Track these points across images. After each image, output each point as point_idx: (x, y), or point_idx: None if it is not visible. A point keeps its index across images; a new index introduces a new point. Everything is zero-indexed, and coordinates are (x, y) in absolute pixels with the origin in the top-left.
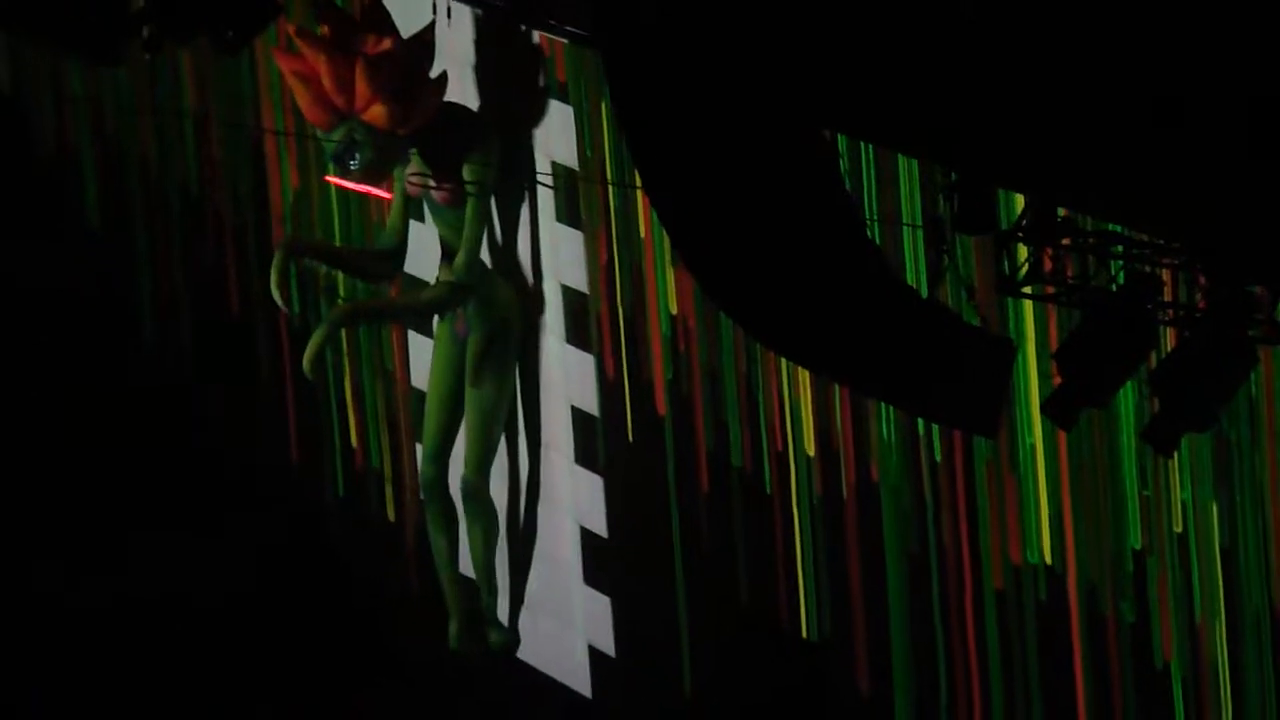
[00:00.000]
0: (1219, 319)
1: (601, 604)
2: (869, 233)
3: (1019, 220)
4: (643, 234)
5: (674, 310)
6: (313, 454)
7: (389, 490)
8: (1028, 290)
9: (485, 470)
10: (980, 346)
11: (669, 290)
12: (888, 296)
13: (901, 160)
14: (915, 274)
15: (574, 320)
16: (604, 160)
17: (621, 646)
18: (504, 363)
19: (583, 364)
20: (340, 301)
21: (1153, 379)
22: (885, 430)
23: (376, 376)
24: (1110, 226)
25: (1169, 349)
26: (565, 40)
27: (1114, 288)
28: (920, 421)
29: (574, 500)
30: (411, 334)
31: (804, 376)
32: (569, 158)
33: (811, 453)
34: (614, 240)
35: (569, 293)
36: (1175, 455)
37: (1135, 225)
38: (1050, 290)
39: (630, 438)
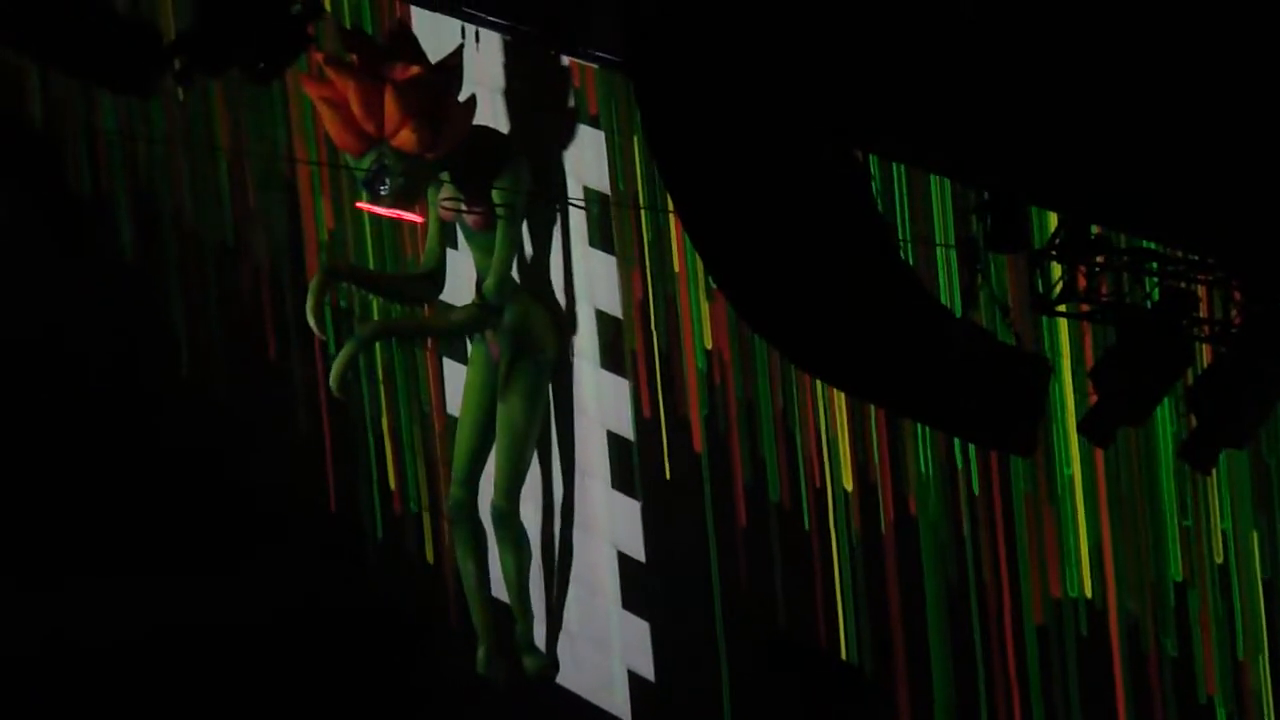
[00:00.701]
0: (1255, 335)
1: (640, 628)
2: (902, 253)
3: (1052, 238)
4: (677, 268)
5: (709, 345)
6: (350, 497)
7: (428, 531)
8: (1062, 309)
9: (515, 495)
10: (1015, 366)
11: (704, 324)
12: (922, 317)
13: (934, 180)
14: (949, 294)
15: (608, 345)
16: (637, 191)
17: (661, 671)
18: (536, 386)
19: (618, 389)
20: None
21: (1189, 396)
22: (923, 464)
23: (414, 418)
24: (1144, 243)
25: (1205, 366)
26: (595, 65)
27: (1149, 305)
28: (958, 455)
29: (611, 525)
30: (448, 373)
31: (840, 410)
32: (601, 183)
33: (849, 488)
34: (648, 275)
35: (603, 318)
36: (1214, 483)
37: (1170, 241)
38: (1085, 308)
39: (668, 474)
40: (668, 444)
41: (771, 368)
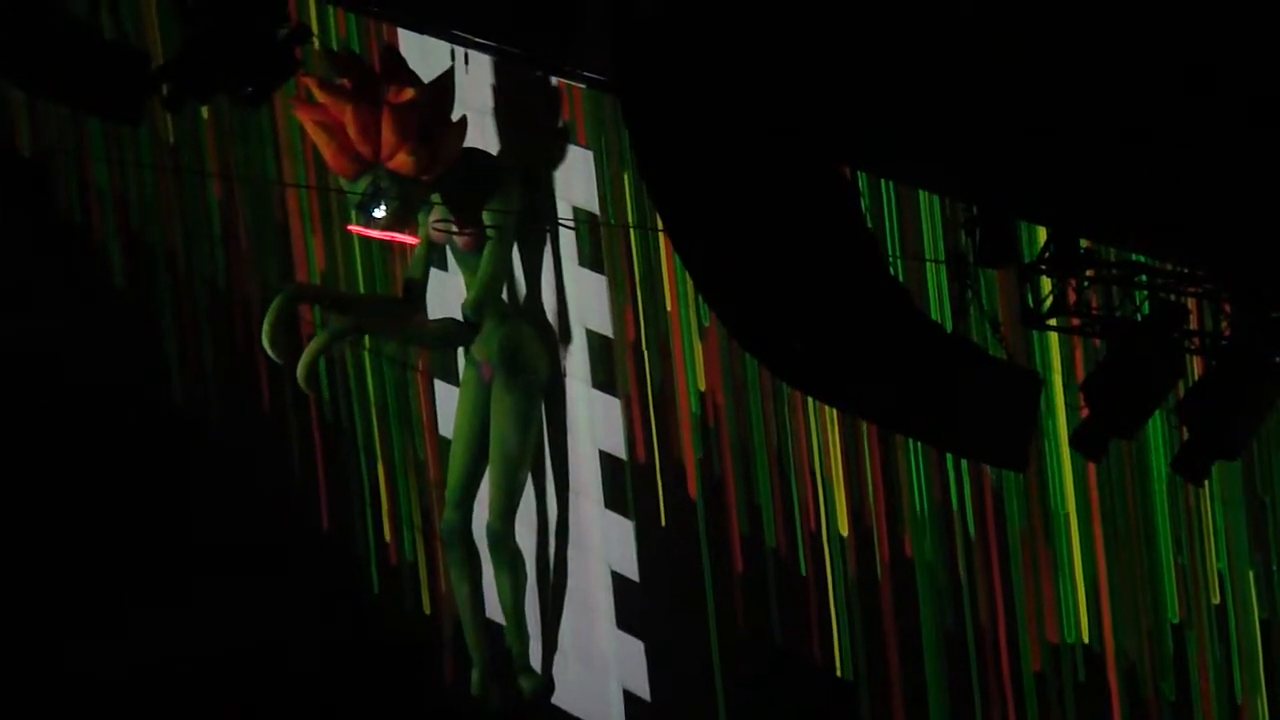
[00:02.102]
0: (1246, 346)
1: (635, 648)
2: (892, 269)
3: (1042, 252)
4: (669, 306)
5: (702, 386)
6: (346, 549)
7: (424, 583)
8: (1052, 322)
9: (510, 516)
10: (1006, 380)
11: (697, 364)
12: (912, 332)
13: (922, 196)
14: (939, 309)
15: (600, 365)
16: (626, 212)
17: (656, 690)
18: (528, 407)
19: (609, 408)
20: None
21: (1181, 408)
22: (918, 504)
23: (409, 467)
24: (1134, 256)
25: (1196, 378)
26: (583, 86)
27: (1139, 318)
28: (953, 495)
29: (604, 544)
30: (443, 423)
31: (835, 451)
32: (590, 203)
33: (845, 532)
34: (640, 314)
35: (594, 337)
36: (1210, 521)
37: (1159, 254)
38: (1075, 322)
39: (663, 521)
40: (663, 490)
41: (765, 408)
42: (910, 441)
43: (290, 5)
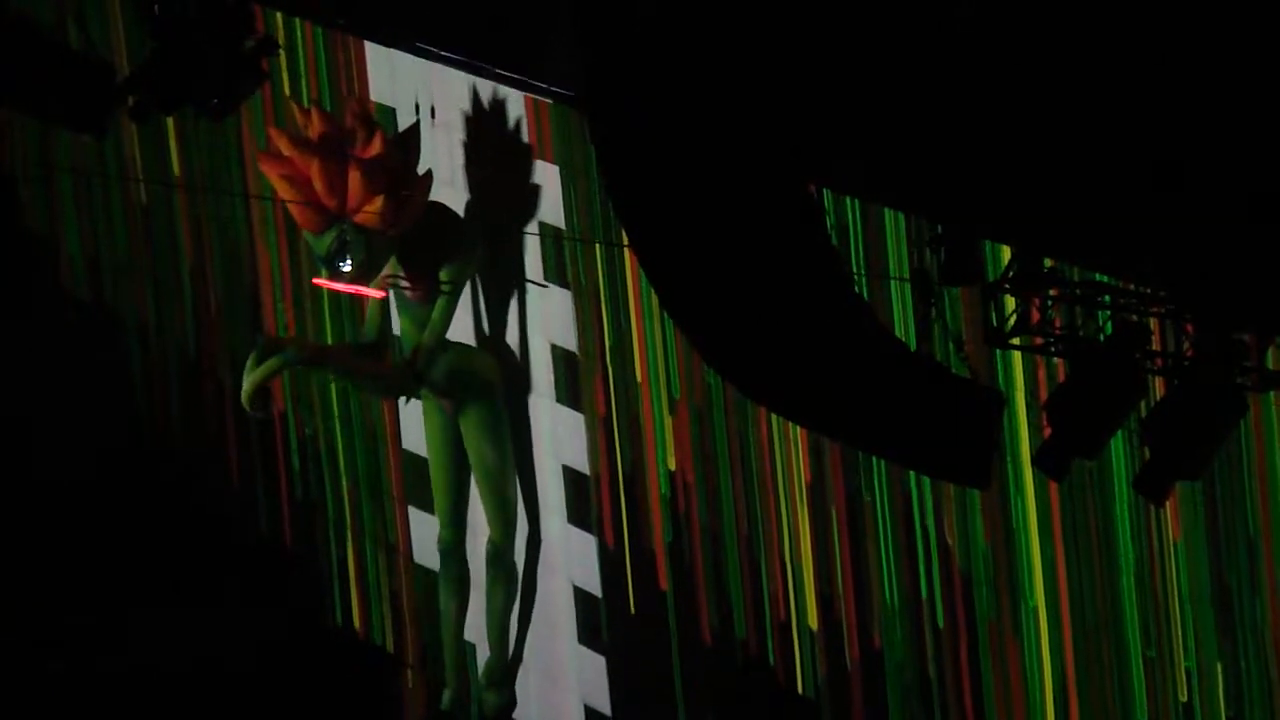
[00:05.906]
0: (1207, 367)
1: (596, 663)
2: (856, 287)
3: (1006, 271)
4: (639, 377)
5: (672, 466)
6: (314, 632)
7: (389, 628)
8: (1016, 341)
9: (510, 531)
10: (969, 398)
11: (667, 441)
12: (876, 350)
13: (888, 214)
14: (904, 327)
15: (564, 379)
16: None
17: (617, 705)
18: (497, 425)
19: (573, 424)
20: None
21: (1143, 428)
22: (888, 594)
23: (379, 549)
24: (1097, 276)
25: (1158, 398)
26: (550, 101)
27: (1102, 338)
28: (923, 584)
29: (567, 560)
30: (406, 438)
31: (805, 541)
32: (556, 218)
33: (814, 626)
34: (611, 382)
35: (557, 352)
36: (1178, 611)
37: (1122, 274)
38: (1038, 341)
39: (633, 609)
40: (632, 580)
41: (735, 489)
42: (880, 529)
43: (258, 17)
